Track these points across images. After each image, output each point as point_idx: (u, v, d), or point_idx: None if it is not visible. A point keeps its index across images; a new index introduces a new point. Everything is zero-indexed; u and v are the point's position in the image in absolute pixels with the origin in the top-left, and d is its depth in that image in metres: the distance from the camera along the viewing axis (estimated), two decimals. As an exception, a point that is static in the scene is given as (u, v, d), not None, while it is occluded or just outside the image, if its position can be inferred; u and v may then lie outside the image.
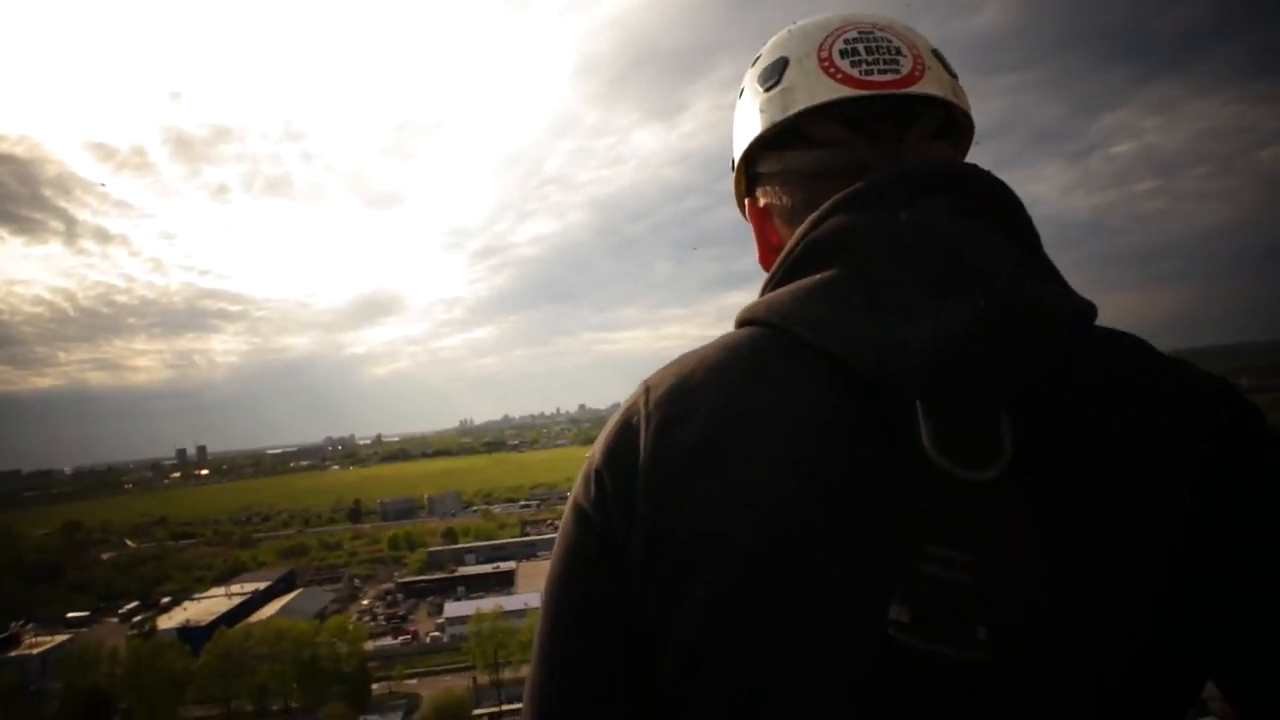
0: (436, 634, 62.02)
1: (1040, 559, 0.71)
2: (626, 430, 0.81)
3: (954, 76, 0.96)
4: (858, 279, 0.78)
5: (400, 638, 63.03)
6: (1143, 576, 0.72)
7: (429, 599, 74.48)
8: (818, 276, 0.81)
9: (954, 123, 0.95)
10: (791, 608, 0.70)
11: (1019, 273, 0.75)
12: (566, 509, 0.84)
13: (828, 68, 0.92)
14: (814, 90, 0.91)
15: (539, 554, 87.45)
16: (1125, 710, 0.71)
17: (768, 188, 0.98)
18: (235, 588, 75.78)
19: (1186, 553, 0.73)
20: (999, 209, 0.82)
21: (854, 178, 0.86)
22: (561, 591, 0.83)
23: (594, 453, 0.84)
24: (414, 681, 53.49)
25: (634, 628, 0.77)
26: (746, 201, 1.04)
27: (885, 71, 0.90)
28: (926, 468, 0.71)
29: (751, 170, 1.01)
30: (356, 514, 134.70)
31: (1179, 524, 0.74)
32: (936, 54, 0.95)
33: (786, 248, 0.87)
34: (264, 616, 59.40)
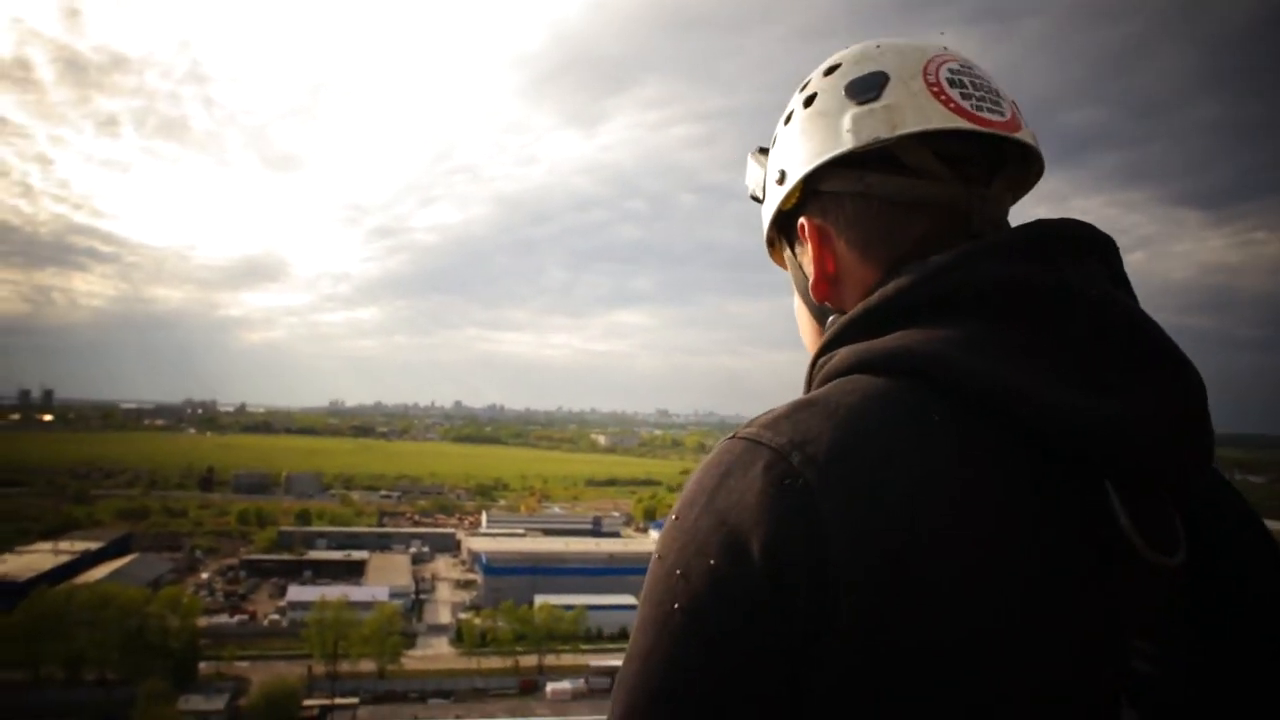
0: (276, 617, 60.00)
1: (1217, 655, 0.72)
2: (793, 496, 0.68)
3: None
4: (1039, 339, 0.74)
5: (237, 617, 60.72)
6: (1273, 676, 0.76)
7: (273, 580, 71.93)
8: (976, 330, 0.75)
9: (1030, 177, 0.93)
10: (1023, 697, 0.64)
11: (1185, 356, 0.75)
12: (687, 589, 0.69)
13: (938, 94, 0.86)
14: (926, 114, 0.85)
15: (394, 546, 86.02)
16: None
17: (832, 209, 0.91)
18: (64, 545, 71.47)
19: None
20: (1129, 284, 0.82)
21: (942, 214, 0.85)
22: (711, 700, 0.66)
23: (733, 517, 0.69)
24: (245, 664, 51.52)
25: None
26: (805, 218, 0.93)
27: (993, 111, 0.86)
28: (1120, 548, 0.69)
29: (812, 185, 0.92)
30: (208, 482, 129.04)
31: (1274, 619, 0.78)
32: (1014, 104, 0.92)
33: (898, 286, 0.80)
34: (92, 579, 56.20)
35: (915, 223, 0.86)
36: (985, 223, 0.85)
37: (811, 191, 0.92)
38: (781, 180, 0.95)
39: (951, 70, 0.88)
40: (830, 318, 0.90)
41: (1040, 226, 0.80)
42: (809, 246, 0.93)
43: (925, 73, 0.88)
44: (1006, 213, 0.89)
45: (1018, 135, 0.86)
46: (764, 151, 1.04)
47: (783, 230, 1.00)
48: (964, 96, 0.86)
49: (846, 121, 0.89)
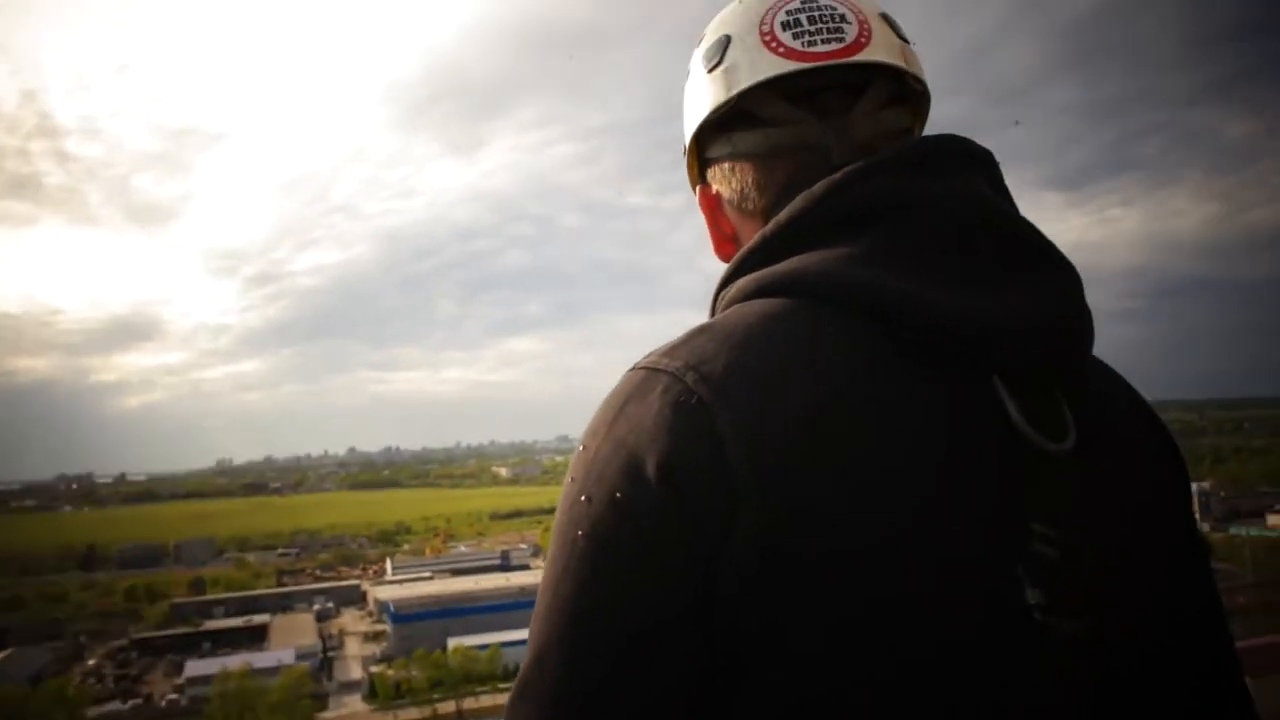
0: (174, 696, 57.01)
1: (1113, 532, 0.75)
2: (687, 413, 0.70)
3: (905, 41, 0.93)
4: (924, 247, 0.76)
5: (130, 702, 57.33)
6: (1177, 547, 0.82)
7: (168, 657, 68.19)
8: (866, 245, 0.77)
9: (907, 89, 0.93)
10: (928, 594, 0.66)
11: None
12: (589, 513, 0.71)
13: (769, 42, 0.89)
14: (755, 67, 0.88)
15: (296, 606, 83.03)
16: (1208, 677, 0.78)
17: (718, 171, 0.95)
18: (-72, 647, 66.34)
19: (1189, 531, 0.84)
20: (1009, 195, 0.85)
21: (804, 155, 0.87)
22: (619, 620, 0.68)
23: (631, 439, 0.72)
24: (143, 751, 48.68)
25: (721, 649, 0.67)
26: (699, 188, 0.99)
27: (829, 41, 0.87)
28: (1013, 441, 0.72)
29: (703, 155, 0.98)
30: (89, 561, 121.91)
31: (1181, 501, 0.85)
32: (885, 18, 0.92)
33: (790, 212, 0.82)
34: (-37, 681, 52.23)
35: (779, 169, 0.88)
36: (847, 151, 0.86)
37: (705, 160, 0.98)
38: (684, 153, 1.01)
39: (788, 12, 0.90)
40: None
41: (921, 142, 0.83)
42: (704, 212, 0.99)
43: (761, 24, 0.90)
44: (897, 130, 0.91)
45: (856, 58, 0.87)
46: None
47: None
48: (795, 36, 0.88)
49: (703, 90, 0.94)
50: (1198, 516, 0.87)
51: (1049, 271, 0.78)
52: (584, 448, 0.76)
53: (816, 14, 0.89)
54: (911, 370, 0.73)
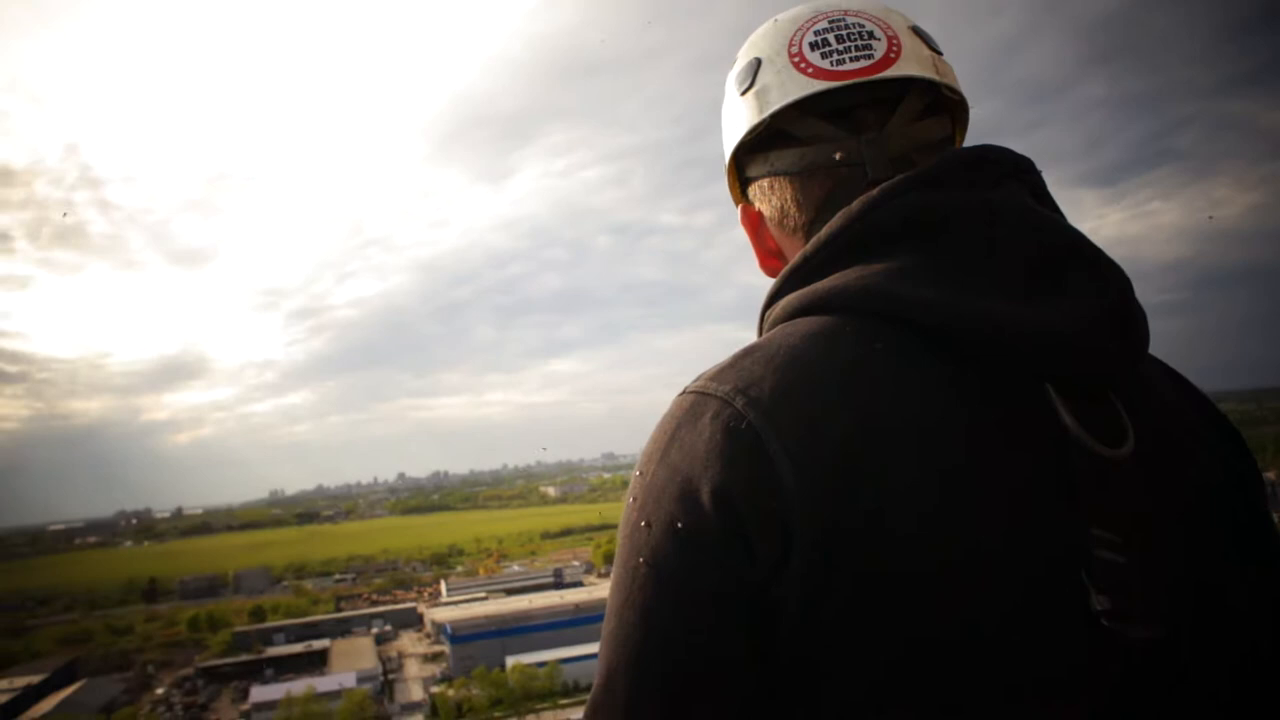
0: (241, 722, 57.72)
1: (1179, 535, 0.74)
2: (739, 438, 0.70)
3: (937, 52, 0.93)
4: (967, 258, 0.76)
5: (200, 728, 58.28)
6: (1250, 546, 0.80)
7: (233, 684, 69.15)
8: (907, 259, 0.77)
9: (943, 100, 0.93)
10: (993, 613, 0.66)
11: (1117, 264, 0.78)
12: (649, 540, 0.72)
13: (798, 63, 0.91)
14: (785, 89, 0.90)
15: (355, 630, 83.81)
16: (1271, 682, 0.76)
17: (758, 190, 0.97)
18: (2, 683, 67.97)
19: (1261, 522, 0.82)
20: (1052, 201, 0.86)
21: (841, 171, 0.88)
22: (682, 648, 0.69)
23: (685, 466, 0.72)
24: (215, 776, 49.50)
25: (781, 676, 0.68)
26: (741, 207, 1.02)
27: (858, 59, 0.88)
28: (1068, 447, 0.72)
29: (743, 175, 1.00)
30: (152, 594, 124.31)
31: (1251, 493, 0.83)
32: (916, 30, 0.93)
33: (830, 230, 0.83)
34: (39, 713, 53.52)
35: (816, 186, 0.90)
36: (883, 165, 0.87)
37: (745, 179, 1.00)
38: (726, 173, 1.03)
39: (816, 32, 0.91)
40: None
41: (958, 154, 0.83)
42: (747, 230, 1.01)
43: (790, 46, 0.92)
44: (933, 140, 0.90)
45: (886, 73, 0.88)
46: None
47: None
48: (824, 56, 0.90)
49: (738, 112, 0.96)
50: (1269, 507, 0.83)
51: (1097, 276, 0.77)
52: (640, 473, 0.77)
53: (845, 32, 0.90)
54: (960, 383, 0.72)
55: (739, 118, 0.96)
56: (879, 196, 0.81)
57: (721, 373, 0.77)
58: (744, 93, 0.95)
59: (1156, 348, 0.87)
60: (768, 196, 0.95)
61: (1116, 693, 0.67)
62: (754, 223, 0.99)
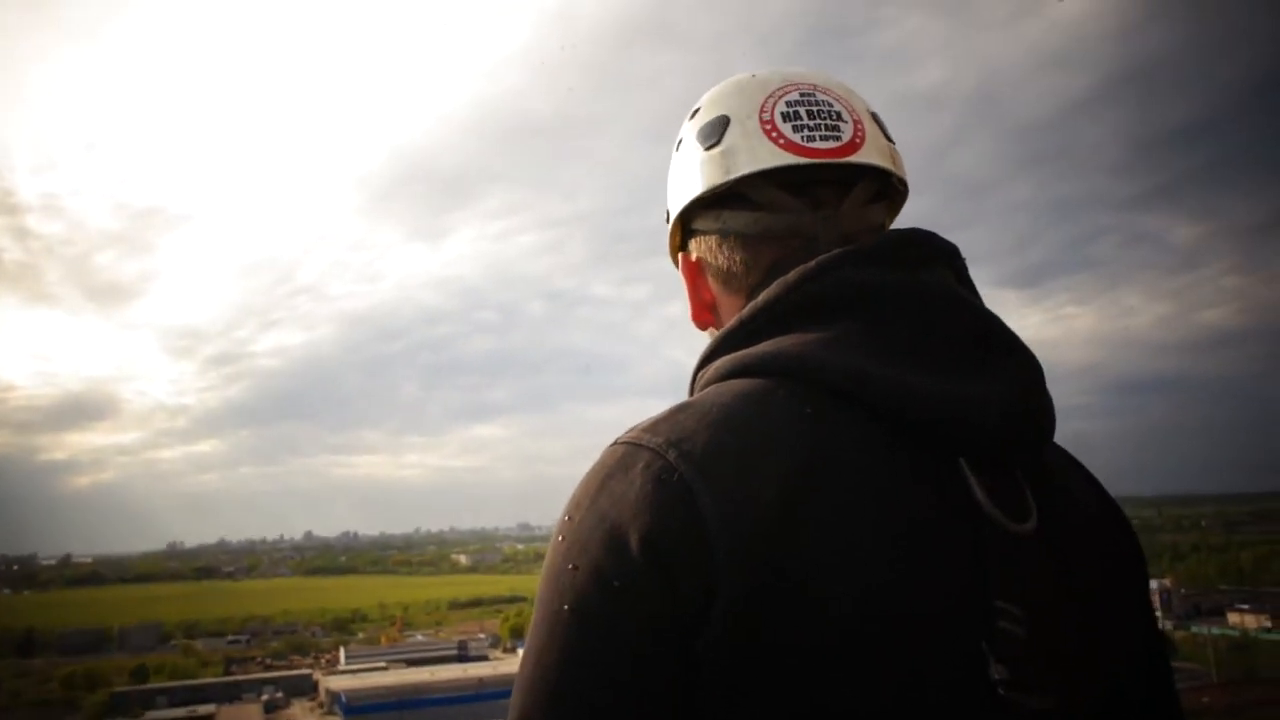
0: (109, 791, 54.06)
1: (1074, 612, 0.77)
2: (669, 490, 0.71)
3: (891, 141, 0.97)
4: (896, 334, 0.79)
5: (62, 797, 54.39)
6: (1135, 633, 0.85)
7: (105, 749, 65.05)
8: (840, 329, 0.80)
9: (890, 188, 0.97)
10: (898, 671, 0.68)
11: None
12: (573, 584, 0.72)
13: (769, 131, 0.92)
14: (756, 155, 0.92)
15: (244, 695, 79.91)
16: None
17: (704, 243, 0.98)
18: None
19: (1146, 616, 0.88)
20: (973, 285, 0.89)
21: (792, 241, 0.91)
22: (601, 695, 0.68)
23: (614, 514, 0.73)
24: None
25: None
26: (680, 255, 1.03)
27: (827, 139, 0.91)
28: (978, 520, 0.74)
29: (687, 226, 1.01)
30: (27, 646, 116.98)
31: (1139, 587, 0.88)
32: (875, 117, 0.97)
33: (766, 297, 0.86)
34: (-115, 773, 49.37)
35: (766, 251, 0.92)
36: (833, 241, 0.90)
37: (689, 229, 1.01)
38: (667, 220, 1.04)
39: (788, 103, 0.93)
40: None
41: (892, 235, 0.87)
42: (685, 279, 1.01)
43: (761, 111, 0.93)
44: (876, 224, 0.95)
45: (851, 158, 0.91)
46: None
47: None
48: (795, 129, 0.92)
49: (697, 166, 0.97)
50: (1159, 614, 0.80)
51: (1011, 360, 0.81)
52: (569, 517, 0.77)
53: (815, 109, 0.93)
54: (882, 450, 0.74)
55: (697, 172, 0.96)
56: (815, 269, 0.83)
57: (655, 425, 0.78)
58: (709, 148, 0.95)
59: (1068, 448, 0.94)
60: (715, 252, 0.96)
61: None
62: (694, 273, 1.00)
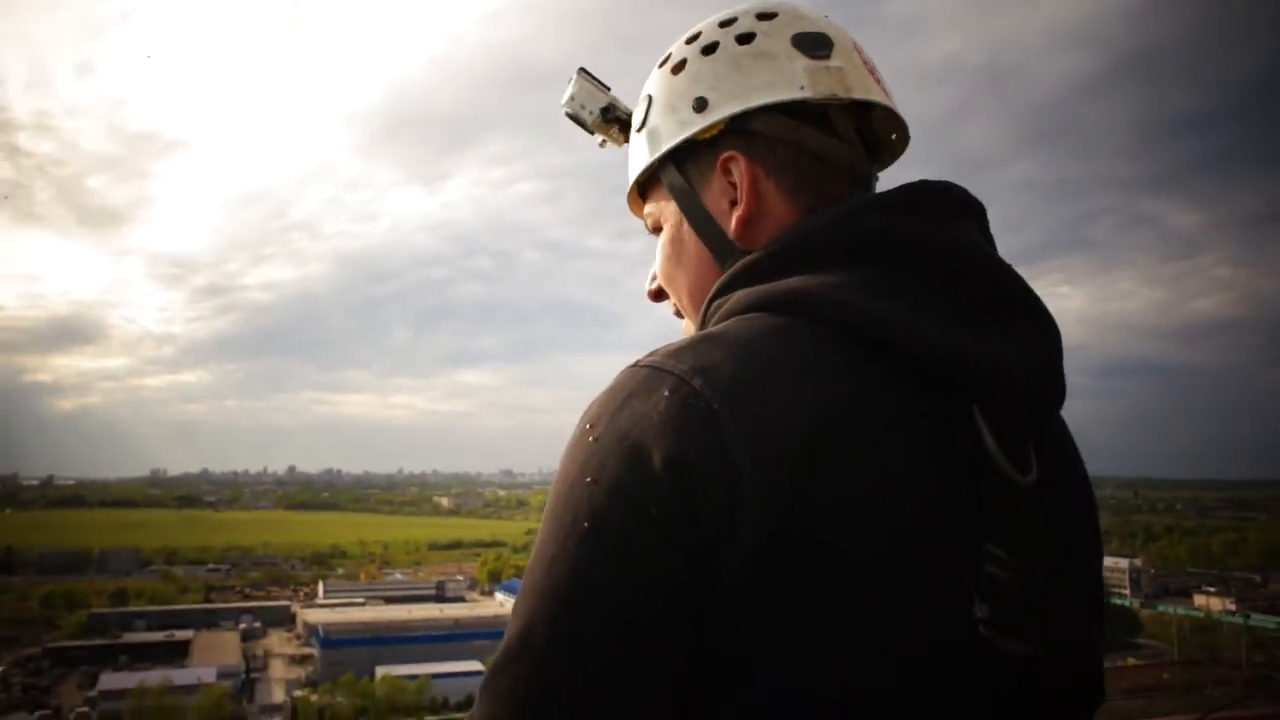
0: (85, 709, 54.54)
1: (1057, 564, 0.81)
2: (694, 414, 0.70)
3: None
4: (925, 284, 0.80)
5: (38, 713, 54.92)
6: (1100, 591, 0.91)
7: (82, 668, 65.63)
8: (867, 274, 0.80)
9: (895, 148, 1.03)
10: (898, 605, 0.70)
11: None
12: (590, 498, 0.71)
13: (871, 70, 0.95)
14: (867, 86, 0.93)
15: (222, 623, 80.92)
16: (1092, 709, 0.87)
17: (761, 150, 0.92)
18: None
19: (1099, 579, 0.93)
20: (994, 243, 0.91)
21: (849, 178, 0.92)
22: (614, 607, 0.67)
23: (635, 433, 0.71)
24: (48, 764, 46.82)
25: (719, 661, 0.69)
26: (731, 154, 0.93)
27: (870, 89, 0.94)
28: (985, 468, 0.77)
29: (735, 122, 0.93)
30: (7, 564, 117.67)
31: (1099, 549, 0.92)
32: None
33: (798, 232, 0.86)
34: None
35: (835, 182, 0.92)
36: (867, 183, 0.96)
37: (737, 129, 0.93)
38: (700, 109, 0.94)
39: (860, 53, 0.96)
40: (733, 259, 0.91)
41: (928, 186, 0.87)
42: (736, 182, 0.92)
43: (857, 48, 0.96)
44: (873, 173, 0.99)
45: (892, 105, 0.96)
46: (586, 74, 1.12)
47: (675, 160, 0.97)
48: (878, 81, 0.96)
49: (799, 71, 0.91)
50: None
51: (1031, 318, 0.83)
52: (590, 426, 0.75)
53: (870, 65, 0.97)
54: (901, 395, 0.76)
55: (795, 74, 0.91)
56: (848, 210, 0.85)
57: (678, 352, 0.76)
58: (816, 58, 0.92)
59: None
60: (781, 163, 0.92)
61: (982, 698, 0.74)
62: (750, 178, 0.92)
